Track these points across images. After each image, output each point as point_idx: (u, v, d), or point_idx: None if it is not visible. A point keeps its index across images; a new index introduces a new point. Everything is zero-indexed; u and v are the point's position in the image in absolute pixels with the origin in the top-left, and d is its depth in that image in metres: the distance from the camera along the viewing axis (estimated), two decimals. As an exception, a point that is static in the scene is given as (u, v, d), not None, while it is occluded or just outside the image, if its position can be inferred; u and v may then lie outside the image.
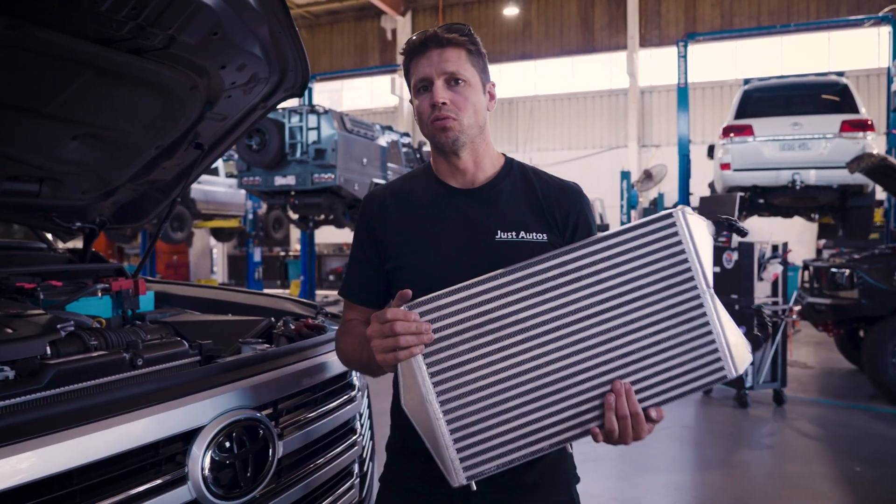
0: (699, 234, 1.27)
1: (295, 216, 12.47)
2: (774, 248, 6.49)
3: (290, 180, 10.54)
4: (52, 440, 1.08)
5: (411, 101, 1.51)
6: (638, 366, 1.23)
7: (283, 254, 19.16)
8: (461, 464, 1.18)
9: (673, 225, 1.26)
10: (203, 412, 1.32)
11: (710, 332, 1.24)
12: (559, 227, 1.48)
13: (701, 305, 1.24)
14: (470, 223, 1.46)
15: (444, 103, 1.41)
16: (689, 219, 1.27)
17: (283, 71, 2.24)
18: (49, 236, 3.03)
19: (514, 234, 1.45)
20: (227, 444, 1.33)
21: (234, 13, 1.88)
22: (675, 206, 1.31)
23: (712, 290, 1.26)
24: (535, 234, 1.45)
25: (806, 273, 7.55)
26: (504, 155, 1.58)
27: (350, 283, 1.56)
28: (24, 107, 1.92)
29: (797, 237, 15.35)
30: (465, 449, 1.18)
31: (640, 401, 1.22)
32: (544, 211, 1.49)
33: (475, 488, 1.18)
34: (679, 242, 1.25)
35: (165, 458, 1.25)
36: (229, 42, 1.98)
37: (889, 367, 6.16)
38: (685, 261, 1.25)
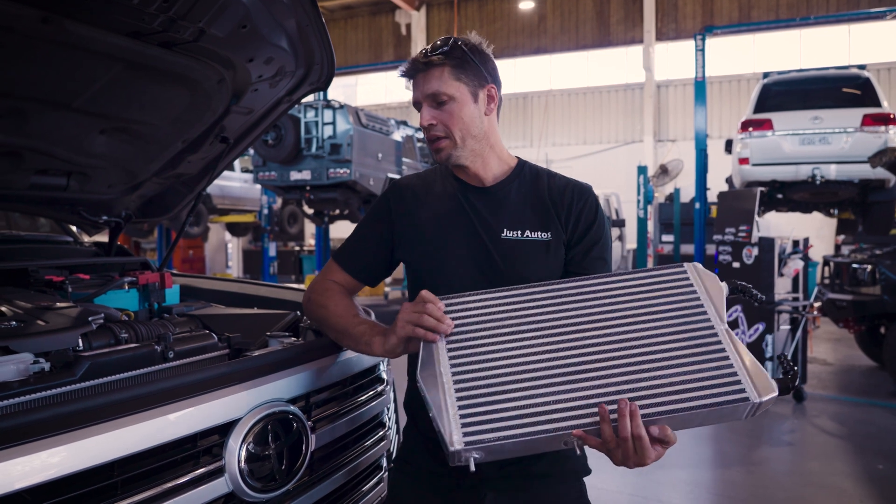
0: (711, 285, 1.34)
1: (310, 211, 12.50)
2: (795, 243, 6.45)
3: (305, 175, 10.57)
4: (93, 432, 1.08)
5: None
6: (647, 374, 1.22)
7: (297, 248, 19.24)
8: (462, 429, 1.18)
9: (685, 276, 1.37)
10: (238, 405, 1.32)
11: (726, 356, 1.24)
12: (563, 224, 1.54)
13: (715, 334, 1.27)
14: (479, 221, 1.54)
15: (431, 124, 1.51)
16: (702, 273, 1.37)
17: (310, 64, 2.24)
18: (74, 229, 3.05)
19: (518, 232, 1.52)
20: (263, 437, 1.33)
21: (263, 6, 1.87)
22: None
23: (727, 326, 1.28)
24: (539, 232, 1.52)
25: (826, 269, 7.48)
26: (518, 158, 1.65)
27: (348, 250, 1.67)
28: (53, 101, 1.93)
29: (815, 233, 15.18)
30: (468, 416, 1.19)
31: (649, 412, 1.17)
32: (549, 211, 1.55)
33: (473, 468, 1.17)
34: (692, 289, 1.34)
35: (203, 450, 1.25)
36: (257, 35, 1.97)
37: (911, 363, 6.10)
38: (697, 298, 1.32)
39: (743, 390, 1.19)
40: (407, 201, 1.62)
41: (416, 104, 1.55)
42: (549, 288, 1.37)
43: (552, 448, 1.22)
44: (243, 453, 1.28)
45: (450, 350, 1.29)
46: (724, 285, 1.35)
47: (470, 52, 1.52)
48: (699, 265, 1.38)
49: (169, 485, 1.15)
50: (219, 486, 1.24)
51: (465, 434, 1.17)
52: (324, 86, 2.36)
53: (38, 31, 1.58)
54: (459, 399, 1.21)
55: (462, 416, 1.19)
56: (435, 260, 1.55)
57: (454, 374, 1.25)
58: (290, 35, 2.07)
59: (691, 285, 1.35)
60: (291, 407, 1.42)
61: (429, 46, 1.54)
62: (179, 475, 1.18)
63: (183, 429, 1.20)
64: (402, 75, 1.57)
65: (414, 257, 1.59)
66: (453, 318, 1.33)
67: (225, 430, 1.29)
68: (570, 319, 1.31)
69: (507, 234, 1.52)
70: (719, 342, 1.26)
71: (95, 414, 1.11)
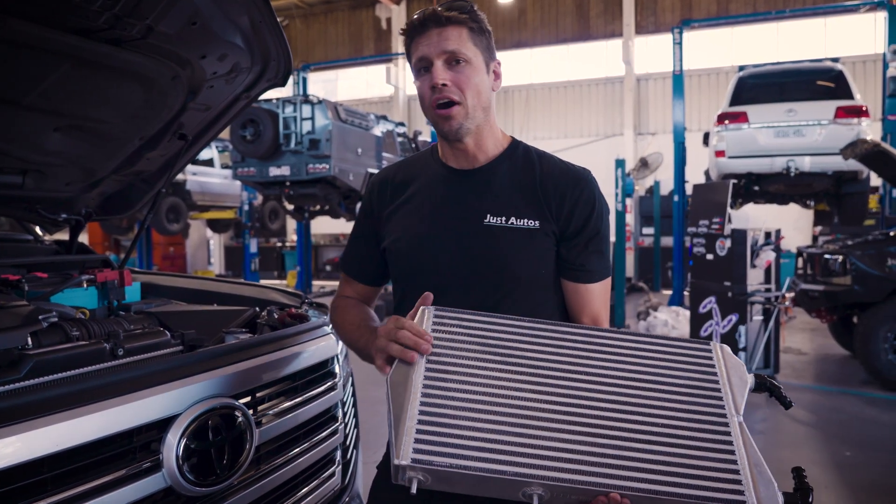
0: (735, 372, 1.23)
1: (290, 207, 12.46)
2: (767, 234, 6.51)
3: (284, 171, 10.53)
4: (24, 428, 1.08)
5: (415, 84, 1.46)
6: (641, 446, 1.10)
7: (279, 244, 19.18)
8: (414, 444, 1.07)
9: (709, 356, 1.25)
10: (179, 400, 1.33)
11: (731, 451, 1.11)
12: (553, 213, 1.42)
13: (726, 424, 1.15)
14: (461, 206, 1.44)
15: (444, 84, 1.37)
16: (728, 358, 1.24)
17: (266, 61, 2.24)
18: (37, 228, 3.04)
19: (503, 219, 1.41)
20: (203, 432, 1.34)
21: (212, 2, 1.87)
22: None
23: (742, 418, 1.16)
24: (525, 220, 1.41)
25: (800, 260, 7.57)
26: (512, 138, 1.54)
27: (348, 257, 1.64)
28: (2, 98, 1.92)
29: (793, 224, 15.37)
30: (425, 433, 1.09)
31: (634, 486, 1.06)
32: (538, 196, 1.43)
33: (414, 491, 1.06)
34: (713, 371, 1.22)
35: (139, 446, 1.26)
36: (209, 32, 1.97)
37: (882, 352, 6.19)
38: (716, 382, 1.21)
39: (741, 492, 1.07)
40: (386, 194, 1.54)
41: (423, 61, 1.39)
42: (558, 328, 1.25)
43: (506, 496, 1.09)
44: (181, 448, 1.29)
45: (429, 361, 1.18)
46: (749, 378, 1.22)
47: (485, 22, 1.43)
48: (727, 349, 1.26)
49: (102, 480, 1.16)
50: (156, 481, 1.24)
51: (416, 451, 1.06)
52: (281, 82, 2.37)
53: (-19, 28, 1.58)
54: (422, 413, 1.11)
55: (419, 432, 1.08)
56: (412, 250, 1.46)
57: (425, 385, 1.15)
58: (243, 31, 2.07)
59: (713, 367, 1.23)
60: (234, 401, 1.43)
61: (446, 2, 1.40)
62: (114, 470, 1.19)
63: (118, 425, 1.20)
64: (412, 27, 1.41)
65: (391, 248, 1.50)
66: (443, 332, 1.22)
67: (164, 425, 1.30)
68: (570, 366, 1.20)
69: (490, 219, 1.41)
70: (728, 434, 1.13)
71: (31, 410, 1.12)
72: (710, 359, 1.24)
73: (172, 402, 1.31)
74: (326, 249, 20.14)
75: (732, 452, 1.11)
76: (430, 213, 1.47)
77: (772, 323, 6.41)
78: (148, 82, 2.11)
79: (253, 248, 13.76)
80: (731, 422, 1.15)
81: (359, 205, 11.55)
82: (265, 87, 2.37)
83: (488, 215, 1.42)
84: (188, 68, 2.13)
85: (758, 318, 6.47)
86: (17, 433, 1.07)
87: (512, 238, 1.40)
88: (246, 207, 13.53)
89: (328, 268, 19.52)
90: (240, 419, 1.43)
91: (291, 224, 17.61)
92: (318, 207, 12.22)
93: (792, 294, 7.17)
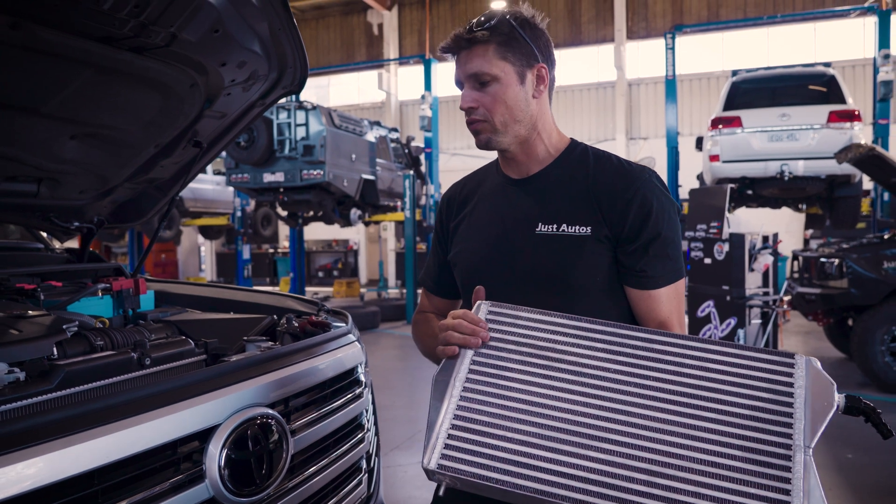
0: (820, 390, 1.06)
1: (284, 213, 12.43)
2: (765, 238, 6.55)
3: (278, 177, 10.51)
4: (72, 441, 1.07)
5: None
6: (686, 474, 1.01)
7: (271, 251, 19.11)
8: (442, 449, 1.07)
9: (790, 373, 1.09)
10: (218, 410, 1.32)
11: (787, 490, 0.97)
12: (605, 217, 1.37)
13: (789, 458, 0.99)
14: (516, 215, 1.44)
15: (470, 108, 1.40)
16: (815, 376, 1.08)
17: (283, 68, 2.24)
18: (45, 236, 3.01)
19: (554, 226, 1.39)
20: (243, 442, 1.34)
21: (234, 10, 1.87)
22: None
23: (811, 453, 1.00)
24: (577, 226, 1.37)
25: (795, 263, 7.62)
26: (571, 140, 1.52)
27: (425, 272, 1.69)
28: (22, 106, 1.91)
29: (784, 227, 15.46)
30: (455, 440, 1.08)
31: None
32: (590, 200, 1.39)
33: (441, 493, 1.07)
34: (790, 391, 1.07)
35: (183, 456, 1.25)
36: (230, 39, 1.97)
37: (878, 354, 6.23)
38: (790, 404, 1.05)
39: None
40: (453, 207, 1.59)
41: (458, 83, 1.43)
42: (617, 330, 1.17)
43: None
44: (223, 459, 1.28)
45: (473, 363, 1.17)
46: (838, 399, 1.06)
47: (519, 27, 1.39)
48: (816, 364, 1.10)
49: (150, 492, 1.15)
50: (200, 492, 1.24)
51: (443, 457, 1.07)
52: (297, 89, 2.37)
53: (8, 36, 1.57)
54: (457, 417, 1.10)
55: (450, 437, 1.08)
56: (471, 260, 1.49)
57: (465, 389, 1.14)
58: (262, 38, 2.07)
59: (791, 385, 1.07)
60: (271, 411, 1.43)
61: (474, 20, 1.40)
62: (160, 482, 1.18)
63: (163, 436, 1.20)
64: (444, 51, 1.43)
65: (453, 260, 1.54)
66: (494, 329, 1.21)
67: (205, 435, 1.29)
68: (622, 374, 1.12)
69: (541, 228, 1.39)
70: (788, 469, 0.99)
71: (74, 423, 1.11)
72: (790, 375, 1.08)
73: (212, 412, 1.31)
74: (319, 255, 20.09)
75: (787, 493, 0.97)
76: (487, 223, 1.49)
77: (770, 326, 6.45)
78: (166, 90, 2.10)
79: (245, 254, 13.71)
80: (794, 456, 0.99)
81: (353, 210, 11.55)
82: (280, 94, 2.37)
83: (539, 223, 1.40)
84: (206, 76, 2.12)
85: (756, 321, 6.51)
86: (67, 446, 1.06)
87: (563, 246, 1.37)
88: (239, 214, 13.48)
89: (320, 274, 19.48)
90: (276, 428, 1.42)
91: (283, 230, 17.53)
92: (311, 213, 12.20)
93: (789, 297, 7.22)
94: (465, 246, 1.51)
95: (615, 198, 1.37)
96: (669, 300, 1.40)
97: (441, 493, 1.08)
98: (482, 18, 1.40)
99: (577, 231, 1.37)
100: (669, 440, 1.04)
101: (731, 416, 1.05)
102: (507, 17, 1.40)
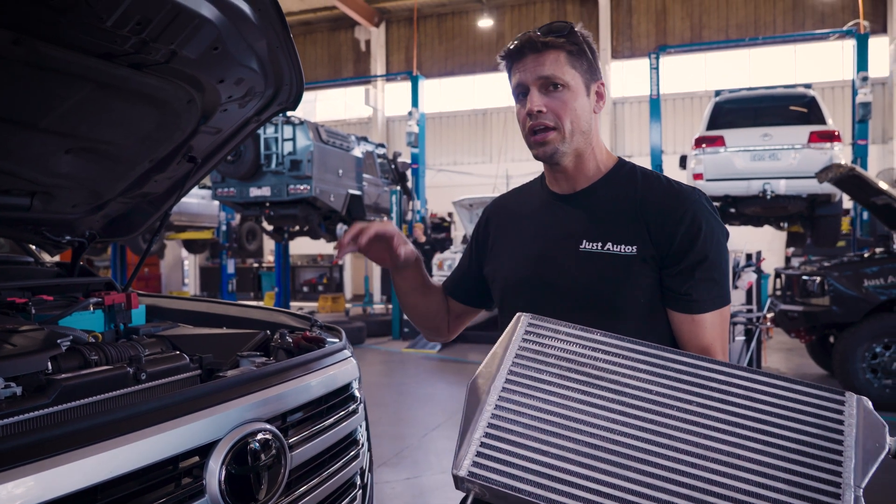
0: (871, 431, 1.02)
1: (270, 227, 12.40)
2: (748, 256, 6.63)
3: (265, 191, 10.49)
4: (73, 457, 1.07)
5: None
6: None
7: (256, 265, 19.01)
8: (473, 457, 1.05)
9: (840, 410, 1.05)
10: (218, 426, 1.32)
11: None
12: (652, 237, 1.34)
13: (838, 496, 0.96)
14: (560, 231, 1.43)
15: (539, 111, 1.36)
16: (866, 416, 1.03)
17: (279, 85, 2.25)
18: (34, 249, 2.99)
19: (599, 244, 1.36)
20: (243, 457, 1.34)
21: (234, 28, 1.89)
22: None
23: (861, 493, 0.96)
24: (623, 246, 1.35)
25: (778, 281, 7.71)
26: (619, 158, 1.50)
27: (451, 276, 1.73)
28: (20, 120, 1.91)
29: (766, 245, 15.58)
30: (487, 448, 1.06)
31: None
32: (638, 219, 1.36)
33: (469, 502, 1.07)
34: (840, 429, 1.03)
35: (183, 472, 1.25)
36: (228, 57, 1.99)
37: (859, 371, 6.31)
38: (840, 442, 1.01)
39: None
40: (500, 217, 1.59)
41: (520, 87, 1.39)
42: (660, 353, 1.14)
43: None
44: (223, 474, 1.29)
45: (511, 372, 1.14)
46: (890, 441, 1.01)
47: (586, 42, 1.39)
48: (868, 403, 1.05)
49: (152, 508, 1.15)
50: (200, 508, 1.24)
51: (475, 464, 1.05)
52: (292, 106, 2.38)
53: (9, 52, 1.58)
54: (490, 426, 1.08)
55: (482, 445, 1.06)
56: (511, 275, 1.47)
57: (501, 397, 1.11)
58: (260, 56, 2.09)
59: (841, 423, 1.03)
60: (270, 427, 1.43)
61: (543, 26, 1.38)
62: (161, 498, 1.18)
63: (164, 451, 1.20)
64: (509, 54, 1.39)
65: (491, 275, 1.53)
66: (533, 342, 1.18)
67: (205, 451, 1.29)
68: (662, 398, 1.09)
69: (586, 245, 1.37)
70: None
71: (75, 438, 1.11)
72: (841, 412, 1.04)
73: (212, 427, 1.31)
74: (304, 270, 20.00)
75: None
76: (530, 238, 1.48)
77: (754, 343, 6.52)
78: (163, 105, 2.11)
79: (230, 268, 13.64)
80: (844, 495, 0.95)
81: (339, 225, 11.54)
82: (276, 110, 2.38)
83: (584, 241, 1.38)
84: (204, 92, 2.13)
85: (740, 338, 6.57)
86: (68, 462, 1.06)
87: (608, 265, 1.34)
88: (224, 228, 13.43)
89: (305, 289, 19.39)
90: (275, 444, 1.43)
91: (268, 245, 17.48)
92: (297, 228, 12.18)
93: (771, 314, 7.30)
94: (505, 261, 1.51)
95: (664, 217, 1.34)
96: (713, 326, 1.36)
97: (469, 502, 1.08)
98: (555, 25, 1.39)
99: (622, 250, 1.35)
100: (712, 468, 1.01)
101: (777, 448, 1.02)
102: (576, 29, 1.39)
